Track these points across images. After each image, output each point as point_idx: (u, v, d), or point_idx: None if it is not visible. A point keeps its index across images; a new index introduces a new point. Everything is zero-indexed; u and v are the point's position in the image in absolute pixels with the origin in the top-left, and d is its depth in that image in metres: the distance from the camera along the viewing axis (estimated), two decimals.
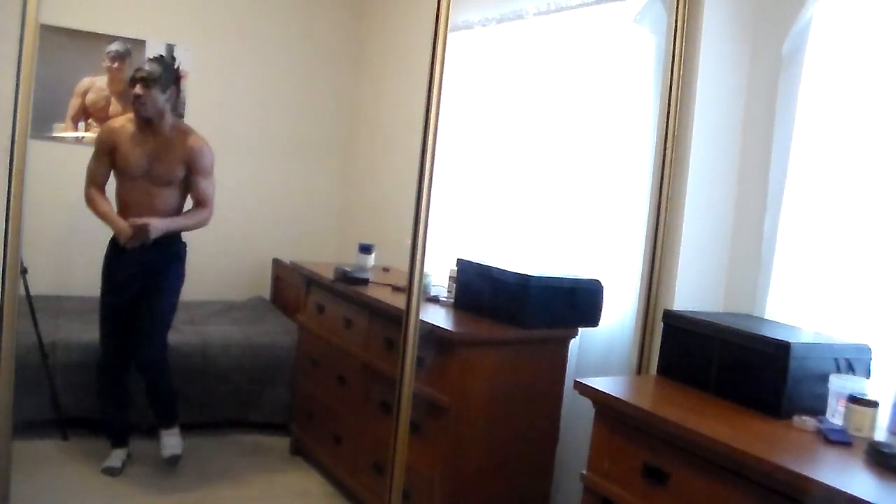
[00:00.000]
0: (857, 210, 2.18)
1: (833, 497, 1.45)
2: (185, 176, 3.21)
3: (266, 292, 4.90)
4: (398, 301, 2.72)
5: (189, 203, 3.32)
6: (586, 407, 2.14)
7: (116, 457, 3.28)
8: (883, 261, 2.10)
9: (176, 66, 3.19)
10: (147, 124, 3.13)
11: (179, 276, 3.31)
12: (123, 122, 3.21)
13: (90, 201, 3.19)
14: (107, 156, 3.18)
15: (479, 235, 3.52)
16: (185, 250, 3.32)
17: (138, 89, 3.05)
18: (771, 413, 1.91)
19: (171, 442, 3.31)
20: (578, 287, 2.71)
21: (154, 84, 3.06)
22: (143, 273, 3.18)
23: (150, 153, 3.13)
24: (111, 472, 3.21)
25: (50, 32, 4.02)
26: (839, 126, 2.24)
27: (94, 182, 3.22)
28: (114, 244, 3.23)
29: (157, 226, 3.09)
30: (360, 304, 3.14)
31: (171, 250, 3.26)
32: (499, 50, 3.49)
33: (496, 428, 2.62)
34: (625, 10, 2.83)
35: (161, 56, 3.26)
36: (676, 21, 2.51)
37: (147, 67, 3.09)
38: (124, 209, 3.18)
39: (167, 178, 3.15)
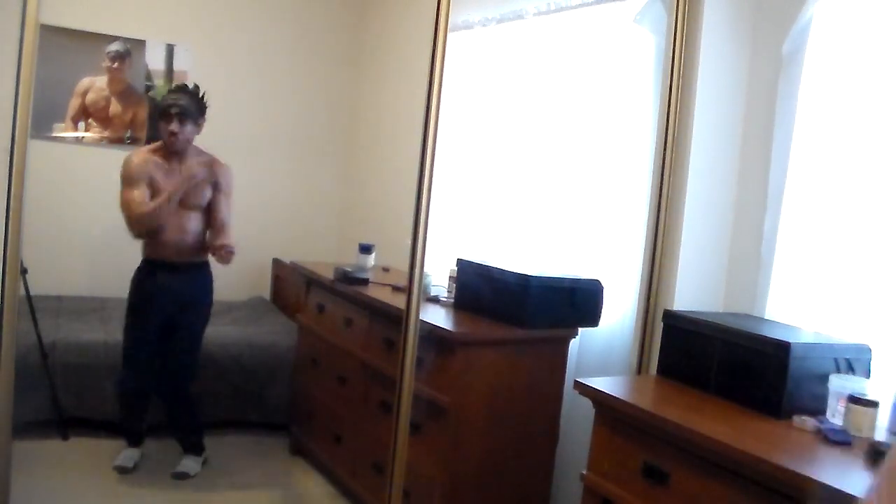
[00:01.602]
0: (856, 210, 2.18)
1: (833, 497, 1.45)
2: (210, 197, 3.21)
3: (266, 292, 4.90)
4: (398, 301, 2.72)
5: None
6: (586, 407, 2.14)
7: (129, 456, 3.30)
8: (883, 261, 2.10)
9: (202, 96, 3.22)
10: (174, 153, 3.17)
11: (209, 307, 3.34)
12: (146, 154, 3.20)
13: (150, 214, 3.08)
14: (142, 182, 3.12)
15: (479, 235, 3.52)
16: (212, 281, 3.33)
17: (174, 126, 3.09)
18: (771, 413, 1.91)
19: (190, 464, 3.34)
20: (578, 287, 2.70)
21: (188, 118, 3.11)
22: (175, 298, 3.20)
23: (175, 182, 3.14)
24: (122, 470, 3.24)
25: (50, 32, 4.02)
26: (839, 126, 2.24)
27: (138, 207, 3.10)
28: (144, 266, 3.24)
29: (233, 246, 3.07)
30: (360, 304, 3.14)
31: (203, 276, 3.29)
32: (499, 50, 3.49)
33: (496, 428, 2.62)
34: (625, 10, 2.83)
35: (185, 85, 3.28)
36: (676, 21, 2.51)
37: (181, 101, 3.11)
38: (155, 238, 3.18)
39: (195, 202, 3.17)
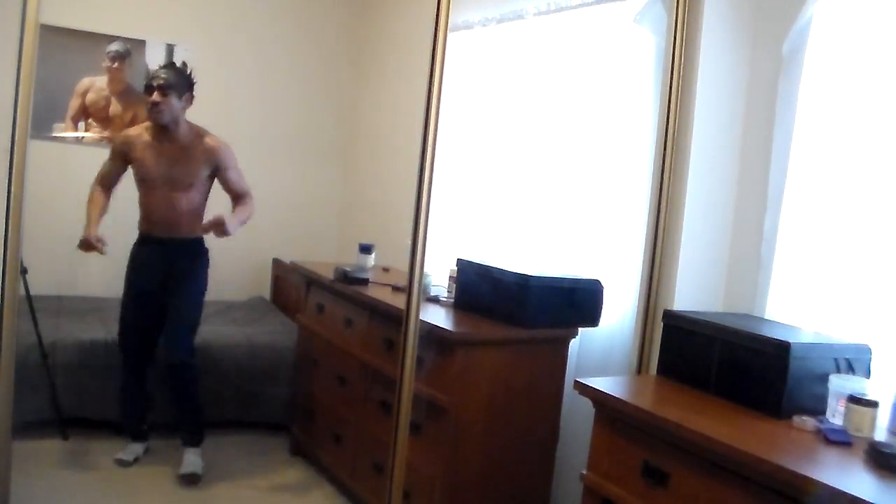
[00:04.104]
0: (856, 210, 2.18)
1: (833, 497, 1.45)
2: (211, 175, 3.24)
3: (266, 292, 4.90)
4: (398, 301, 2.72)
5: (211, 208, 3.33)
6: (586, 407, 2.14)
7: (131, 451, 3.33)
8: (883, 261, 2.10)
9: (189, 72, 3.20)
10: (163, 131, 3.15)
11: (204, 279, 3.34)
12: (140, 130, 3.24)
13: (89, 198, 3.24)
14: (119, 160, 3.22)
15: (479, 235, 3.52)
16: (208, 255, 3.35)
17: (156, 97, 3.07)
18: (771, 413, 1.91)
19: (193, 460, 3.31)
20: (578, 287, 2.70)
21: (171, 91, 3.08)
22: (168, 273, 3.22)
23: (168, 159, 3.15)
24: (121, 463, 3.27)
25: (50, 32, 4.02)
26: (839, 126, 2.24)
27: (99, 181, 3.27)
28: (138, 242, 3.29)
29: (232, 223, 3.05)
30: (360, 304, 3.14)
31: (195, 252, 3.30)
32: (499, 50, 3.49)
33: (496, 428, 2.62)
34: (625, 10, 2.83)
35: (173, 63, 3.27)
36: (676, 21, 2.51)
37: (162, 74, 3.09)
38: (148, 216, 3.23)
39: (188, 182, 3.17)
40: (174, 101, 3.09)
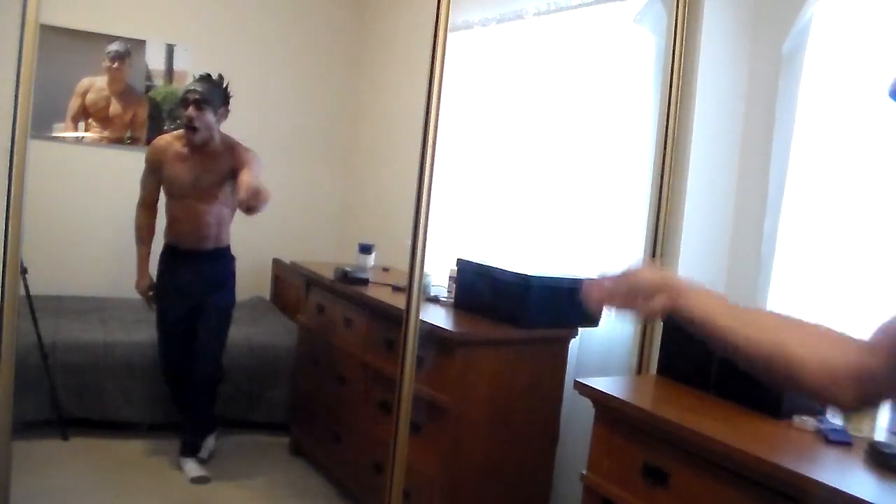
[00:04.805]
0: (857, 210, 2.18)
1: (833, 497, 1.45)
2: (232, 183, 3.07)
3: (266, 292, 4.90)
4: (398, 301, 2.72)
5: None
6: (586, 407, 2.14)
7: (206, 447, 3.40)
8: (883, 261, 2.10)
9: (225, 85, 3.13)
10: (197, 145, 3.09)
11: (232, 291, 3.34)
12: (170, 139, 3.21)
13: (136, 227, 3.29)
14: (155, 173, 3.20)
15: (479, 235, 3.52)
16: (234, 263, 3.35)
17: (191, 111, 2.99)
18: (771, 413, 1.91)
19: (193, 466, 3.29)
20: (578, 287, 2.69)
21: (206, 105, 3.00)
22: (196, 288, 3.21)
23: (197, 170, 3.11)
24: (201, 461, 3.29)
25: (50, 32, 4.02)
26: (839, 126, 2.24)
27: (141, 203, 3.29)
28: (165, 252, 3.28)
29: (260, 185, 2.78)
30: (360, 304, 3.14)
31: (222, 263, 3.30)
32: (499, 50, 3.49)
33: (496, 428, 2.62)
34: (625, 10, 2.83)
35: (208, 75, 3.17)
36: (676, 21, 2.51)
37: (199, 88, 3.01)
38: (173, 224, 3.22)
39: (214, 194, 3.12)
40: (209, 116, 3.03)
